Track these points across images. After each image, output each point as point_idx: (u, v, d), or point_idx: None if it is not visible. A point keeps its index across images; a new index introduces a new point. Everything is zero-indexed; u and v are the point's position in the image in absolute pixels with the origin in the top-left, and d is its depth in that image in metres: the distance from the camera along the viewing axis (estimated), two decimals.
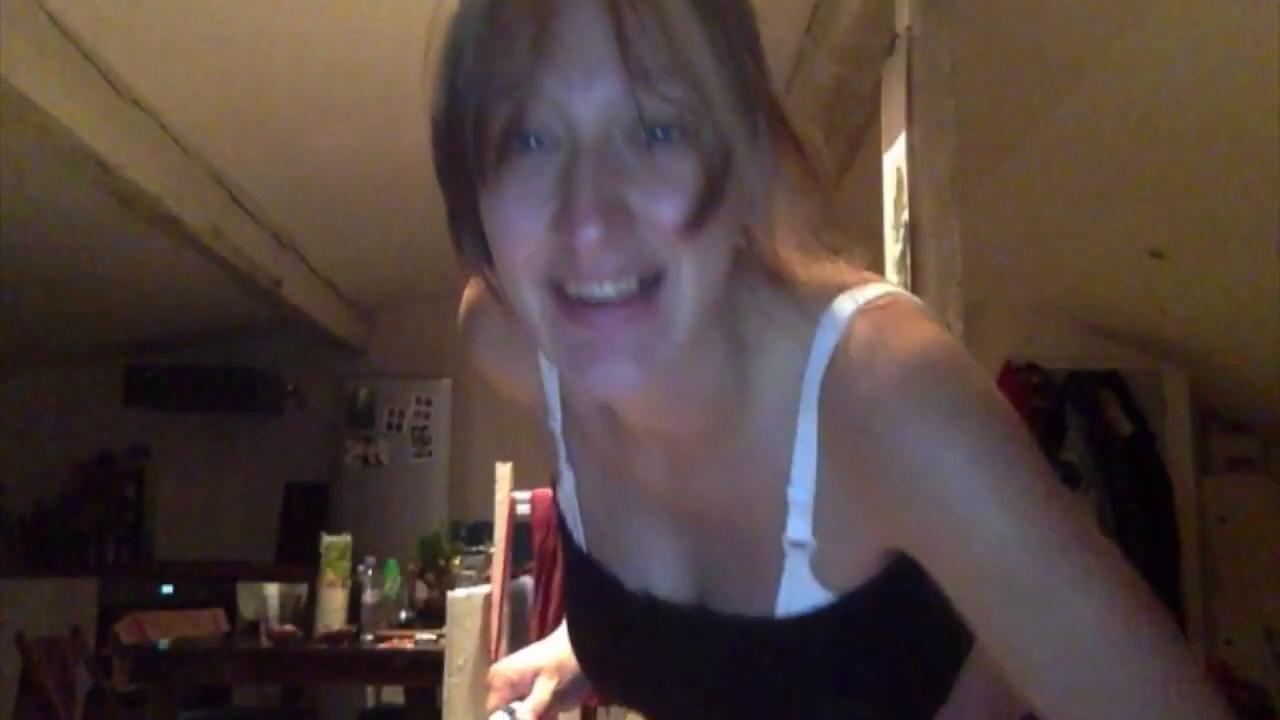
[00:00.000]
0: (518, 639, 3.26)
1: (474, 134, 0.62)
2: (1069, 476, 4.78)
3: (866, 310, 0.68)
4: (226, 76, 3.37)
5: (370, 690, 4.91)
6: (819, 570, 0.70)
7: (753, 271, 0.69)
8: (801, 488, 0.69)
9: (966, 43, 2.33)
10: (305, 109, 3.67)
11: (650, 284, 0.61)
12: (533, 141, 0.61)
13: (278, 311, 5.14)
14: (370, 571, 3.80)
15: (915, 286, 2.25)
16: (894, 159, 2.32)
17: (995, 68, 3.11)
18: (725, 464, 0.72)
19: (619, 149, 0.60)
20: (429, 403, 5.91)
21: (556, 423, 0.82)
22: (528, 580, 3.36)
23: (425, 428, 5.90)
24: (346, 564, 3.77)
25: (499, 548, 3.28)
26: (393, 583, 3.95)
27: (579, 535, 0.84)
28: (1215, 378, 5.18)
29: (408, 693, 3.85)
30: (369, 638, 3.66)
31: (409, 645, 3.56)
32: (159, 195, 3.49)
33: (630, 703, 0.88)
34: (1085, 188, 3.95)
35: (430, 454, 5.88)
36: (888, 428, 0.63)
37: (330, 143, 3.89)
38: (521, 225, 0.61)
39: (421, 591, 4.13)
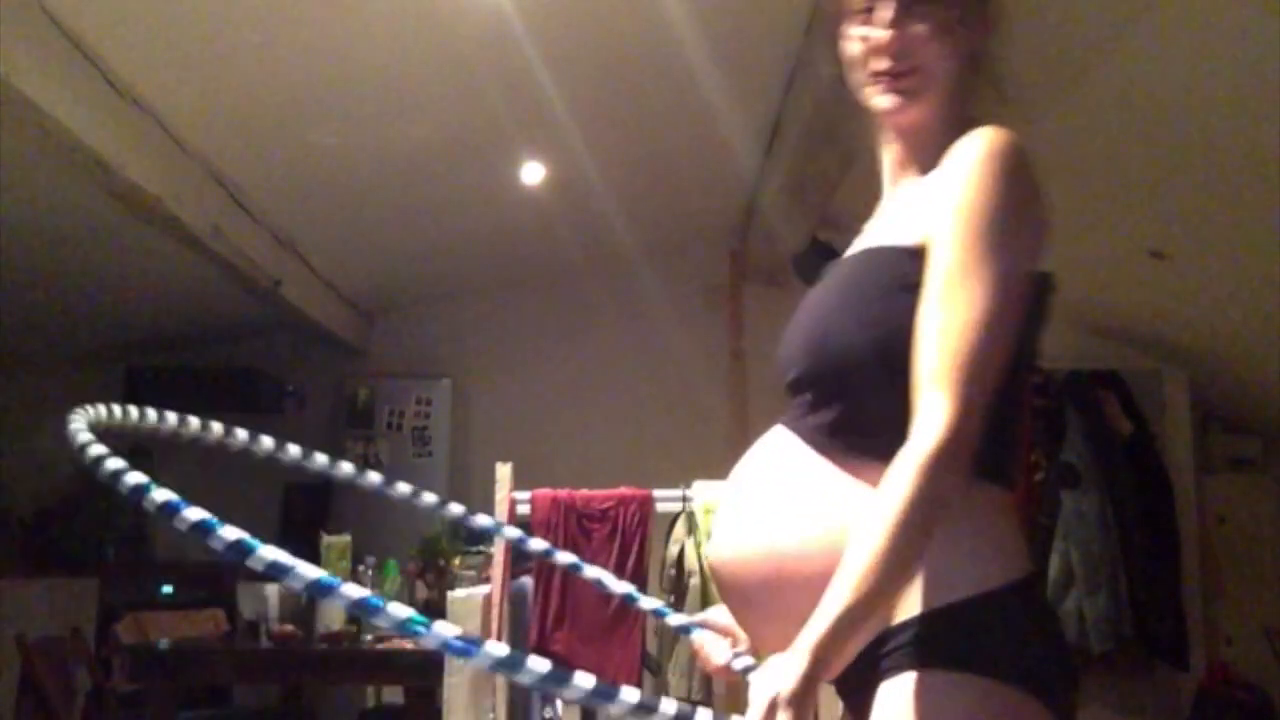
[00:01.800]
0: (518, 639, 3.26)
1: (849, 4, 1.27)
2: (1069, 476, 4.78)
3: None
4: (226, 76, 3.37)
5: (370, 690, 4.91)
6: (918, 222, 1.17)
7: (963, 106, 1.28)
8: (931, 181, 1.21)
9: None
10: (305, 109, 3.67)
11: (912, 70, 1.24)
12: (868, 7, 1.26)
13: (278, 311, 5.14)
14: (370, 571, 3.80)
15: None
16: None
17: (995, 68, 3.11)
18: (913, 177, 1.28)
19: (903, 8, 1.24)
20: (429, 403, 5.91)
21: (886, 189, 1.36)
22: (528, 580, 3.36)
23: (425, 428, 5.90)
24: (346, 564, 3.77)
25: (499, 548, 3.28)
26: (393, 583, 3.95)
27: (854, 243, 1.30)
28: (1215, 378, 5.18)
29: (408, 693, 3.85)
30: (369, 638, 3.66)
31: (409, 645, 3.56)
32: (159, 195, 3.49)
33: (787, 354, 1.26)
34: (1085, 188, 3.95)
35: (430, 454, 5.88)
36: (964, 144, 1.16)
37: (330, 143, 3.89)
38: (862, 37, 1.26)
39: (421, 591, 4.13)
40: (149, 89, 3.30)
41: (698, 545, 3.31)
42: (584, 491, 3.39)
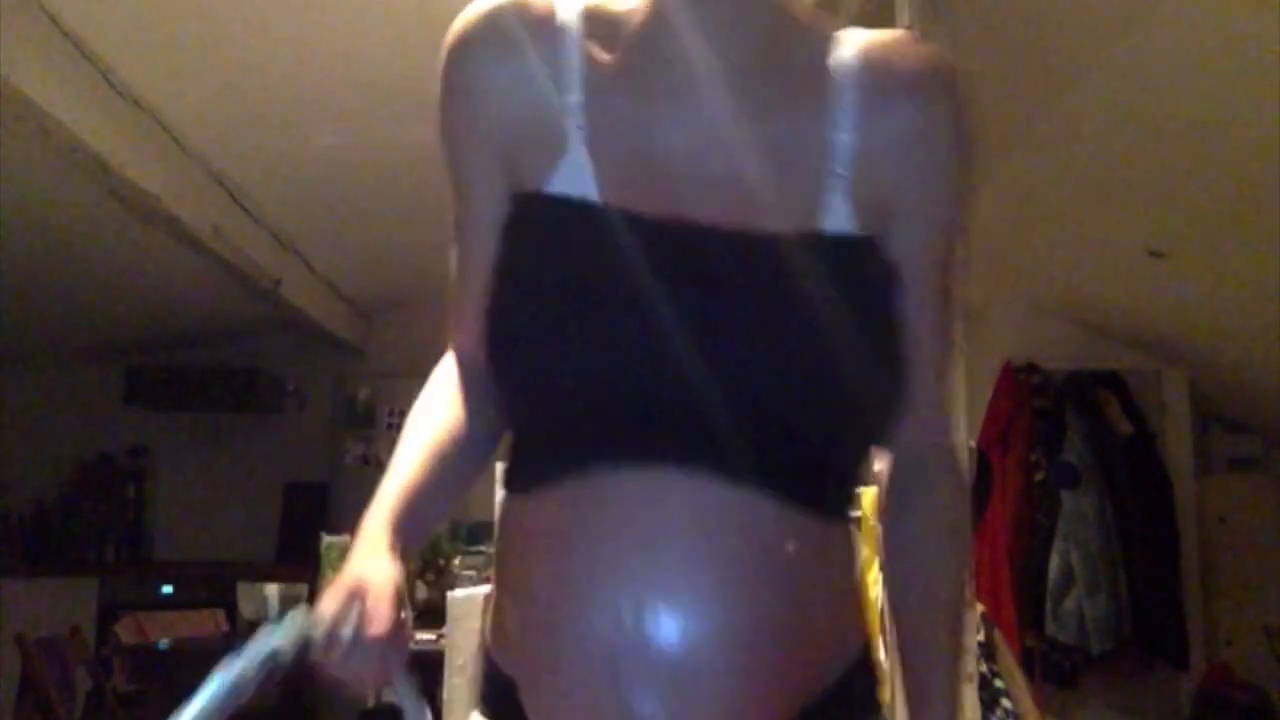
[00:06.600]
0: None
1: None
2: (1069, 476, 4.78)
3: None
4: (226, 76, 3.37)
5: (370, 690, 4.91)
6: (852, 200, 0.84)
7: None
8: (843, 127, 0.85)
9: (966, 43, 2.33)
10: (305, 109, 3.67)
11: None
12: None
13: (278, 311, 5.14)
14: None
15: None
16: None
17: (995, 68, 3.11)
18: (774, 93, 0.86)
19: None
20: None
21: (573, 93, 0.86)
22: None
23: None
24: None
25: None
26: None
27: (589, 200, 0.83)
28: (1215, 378, 5.18)
29: None
30: None
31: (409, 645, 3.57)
32: (159, 195, 3.49)
33: (596, 380, 0.79)
34: (1085, 187, 3.95)
35: None
36: (935, 95, 0.87)
37: (330, 143, 3.89)
38: None
39: (421, 591, 4.13)
40: (149, 89, 3.30)
41: None
42: None
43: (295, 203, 4.47)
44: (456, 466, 0.94)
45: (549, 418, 0.82)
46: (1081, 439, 4.84)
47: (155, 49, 3.13)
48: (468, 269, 0.92)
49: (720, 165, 0.83)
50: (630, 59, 0.87)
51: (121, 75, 3.16)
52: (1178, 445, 5.15)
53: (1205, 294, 4.50)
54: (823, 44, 0.88)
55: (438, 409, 0.96)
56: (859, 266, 0.82)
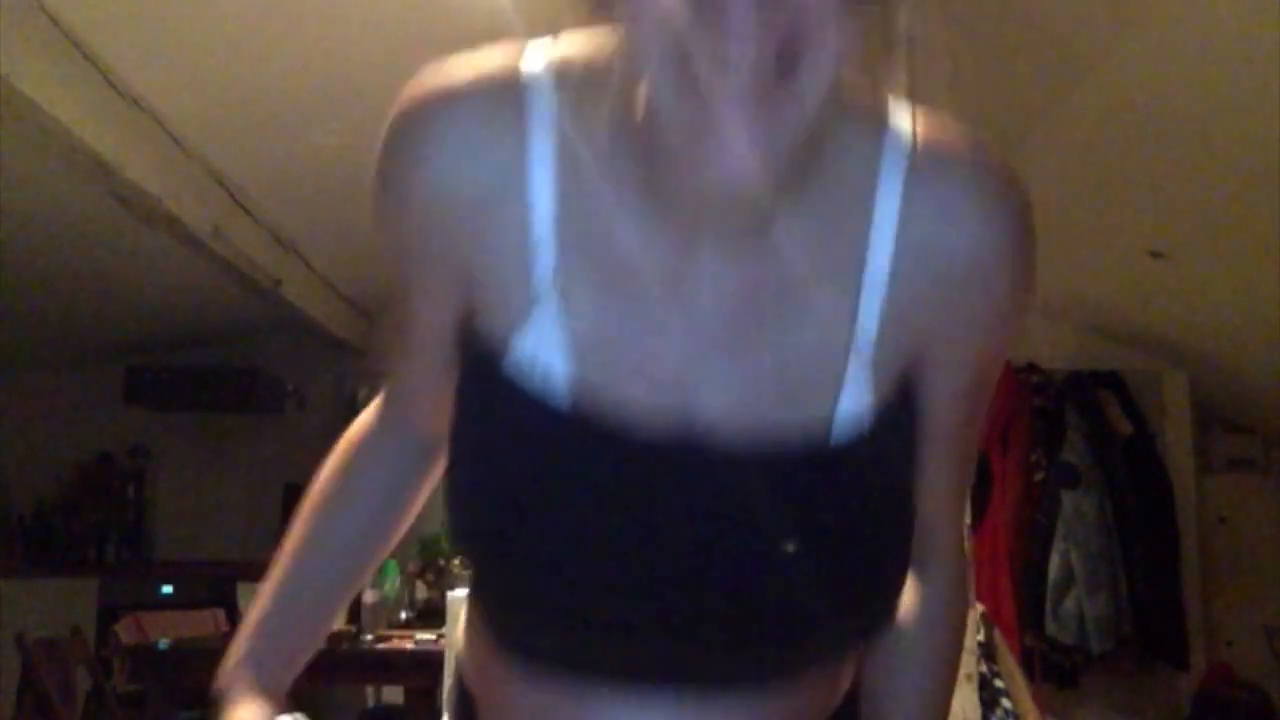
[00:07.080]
0: None
1: None
2: (1069, 476, 4.78)
3: (929, 116, 0.74)
4: (226, 76, 3.37)
5: (370, 690, 4.91)
6: (875, 370, 0.71)
7: None
8: (875, 270, 0.70)
9: (966, 43, 2.33)
10: (305, 109, 3.67)
11: (785, 61, 0.58)
12: None
13: (278, 311, 5.14)
14: None
15: None
16: None
17: (995, 68, 3.11)
18: (797, 238, 0.69)
19: None
20: None
21: (546, 231, 0.69)
22: None
23: None
24: None
25: None
26: (393, 583, 3.95)
27: (558, 385, 0.69)
28: (1215, 378, 5.18)
29: (408, 693, 3.85)
30: (369, 638, 3.66)
31: (409, 645, 3.56)
32: (159, 195, 3.49)
33: (598, 613, 0.70)
34: (1085, 188, 3.95)
35: None
36: (984, 218, 0.71)
37: (330, 143, 3.89)
38: None
39: (421, 591, 4.13)
40: (149, 89, 3.30)
41: None
42: None
43: (295, 203, 4.46)
44: (354, 552, 0.91)
45: (527, 629, 0.75)
46: (1081, 439, 4.84)
47: (155, 49, 3.13)
48: (409, 343, 0.84)
49: (719, 342, 0.69)
50: (620, 181, 0.69)
51: (121, 75, 3.16)
52: (1178, 445, 5.16)
53: (1205, 294, 4.50)
54: (859, 152, 0.71)
55: (331, 489, 0.91)
56: (876, 462, 0.72)
